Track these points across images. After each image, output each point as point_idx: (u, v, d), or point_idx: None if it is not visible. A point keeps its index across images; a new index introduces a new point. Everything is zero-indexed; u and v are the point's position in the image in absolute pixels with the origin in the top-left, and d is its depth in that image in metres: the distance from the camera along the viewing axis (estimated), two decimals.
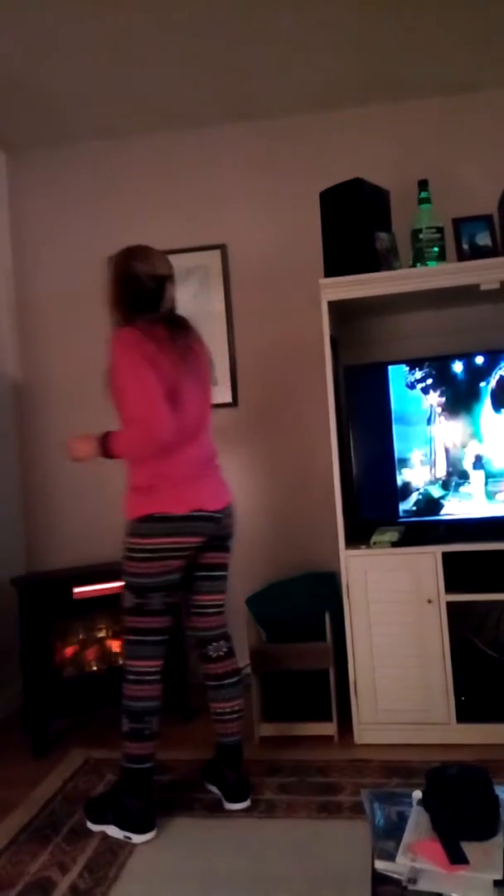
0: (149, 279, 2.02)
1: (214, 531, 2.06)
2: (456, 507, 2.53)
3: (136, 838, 1.93)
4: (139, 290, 2.02)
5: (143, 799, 1.97)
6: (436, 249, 2.53)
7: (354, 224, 2.54)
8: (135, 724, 1.98)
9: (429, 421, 2.56)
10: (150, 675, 2.01)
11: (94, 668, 2.84)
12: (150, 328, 1.97)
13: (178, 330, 2.04)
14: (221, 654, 2.15)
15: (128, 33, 2.53)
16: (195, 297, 3.25)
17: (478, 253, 2.57)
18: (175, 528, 1.97)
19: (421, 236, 2.54)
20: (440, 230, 2.55)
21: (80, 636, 2.88)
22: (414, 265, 2.55)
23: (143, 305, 2.02)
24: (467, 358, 2.55)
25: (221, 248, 3.23)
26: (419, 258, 2.55)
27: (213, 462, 2.11)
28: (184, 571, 2.06)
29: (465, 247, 2.59)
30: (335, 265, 2.56)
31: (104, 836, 1.97)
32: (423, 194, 2.57)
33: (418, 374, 2.57)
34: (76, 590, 2.66)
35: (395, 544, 2.48)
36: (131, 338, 1.94)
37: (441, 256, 2.54)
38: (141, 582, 2.00)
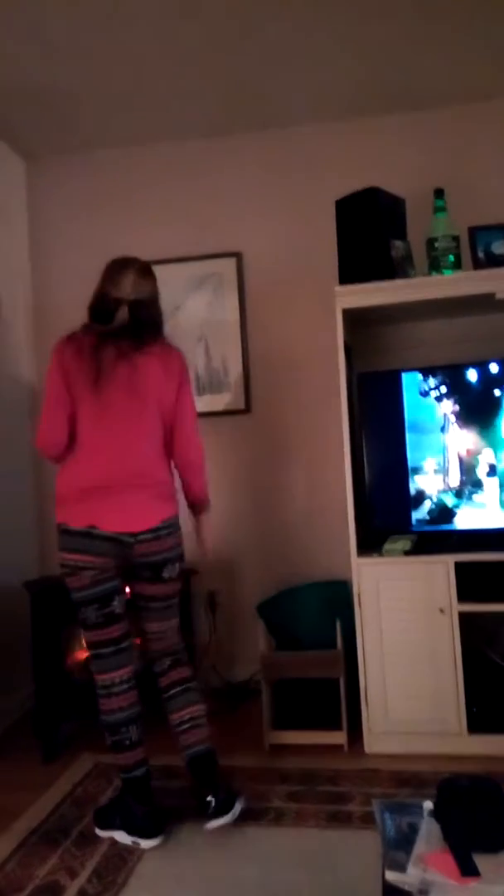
0: (109, 301, 2.05)
1: (125, 555, 1.96)
2: (469, 517, 2.52)
3: (144, 843, 1.93)
4: (100, 306, 2.07)
5: (146, 804, 1.97)
6: (451, 258, 2.54)
7: (370, 233, 2.55)
8: (114, 736, 1.99)
9: (442, 429, 2.56)
10: (116, 685, 2.00)
11: None
12: (82, 336, 2.03)
13: (113, 341, 1.99)
14: (165, 667, 2.10)
15: (144, 43, 2.56)
16: (209, 305, 3.27)
17: (493, 261, 2.57)
18: (75, 544, 1.94)
19: (436, 245, 2.54)
20: (456, 239, 2.55)
21: None
22: (429, 273, 2.55)
23: (98, 318, 2.06)
24: (482, 366, 2.54)
25: (237, 255, 3.25)
26: (434, 266, 2.55)
27: (139, 481, 1.97)
28: (113, 586, 1.99)
29: (481, 255, 2.59)
30: (350, 273, 2.57)
31: (113, 841, 1.97)
32: (439, 203, 2.57)
33: (432, 382, 2.57)
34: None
35: (407, 553, 2.47)
36: (57, 345, 2.04)
37: (456, 265, 2.54)
38: (73, 596, 2.01)
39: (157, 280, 2.14)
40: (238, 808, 1.97)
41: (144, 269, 2.10)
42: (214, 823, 1.94)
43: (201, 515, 2.19)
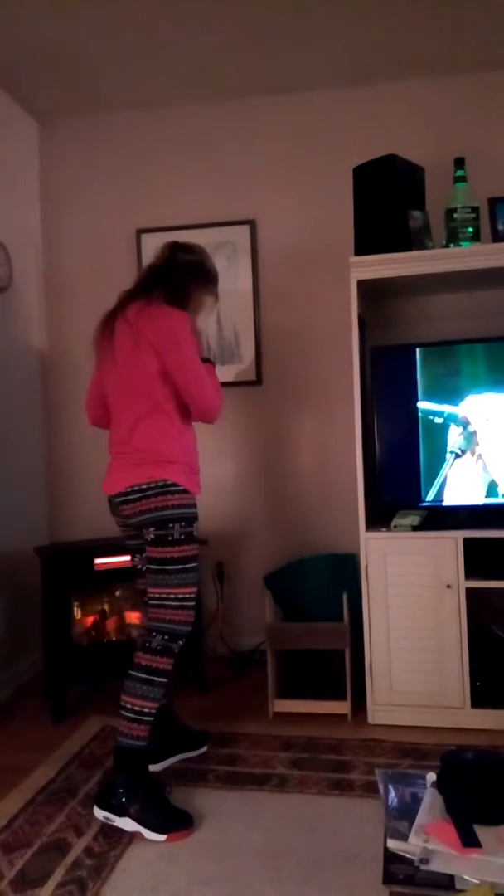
0: None
1: (120, 515, 2.07)
2: (479, 493, 2.51)
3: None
4: None
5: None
6: (470, 229, 2.48)
7: (387, 201, 2.50)
8: None
9: (456, 405, 2.53)
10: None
11: (113, 638, 2.88)
12: None
13: (113, 309, 2.11)
14: (137, 643, 2.01)
15: (159, 5, 2.48)
16: (222, 273, 3.19)
17: None
18: None
19: (455, 216, 2.48)
20: (475, 210, 2.49)
21: (101, 606, 2.92)
22: (447, 245, 2.50)
23: None
24: (498, 342, 2.50)
25: (251, 223, 3.20)
26: (453, 238, 2.50)
27: (119, 449, 2.05)
28: (133, 545, 2.17)
29: (501, 228, 2.53)
30: (366, 243, 2.52)
31: None
32: (459, 172, 2.51)
33: (448, 357, 2.54)
34: (98, 561, 2.68)
35: (416, 528, 2.46)
36: None
37: (475, 237, 2.49)
38: None
39: (184, 254, 2.17)
40: (101, 815, 1.88)
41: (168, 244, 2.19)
42: (94, 810, 1.91)
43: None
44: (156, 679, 1.93)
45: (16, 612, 2.95)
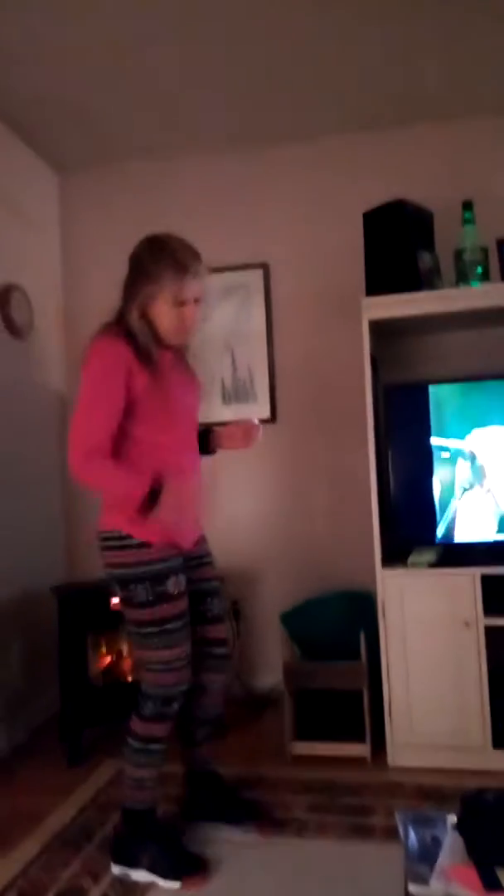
0: None
1: None
2: (496, 529, 2.50)
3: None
4: None
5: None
6: (479, 269, 2.53)
7: (397, 245, 2.56)
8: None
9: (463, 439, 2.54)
10: None
11: (130, 679, 2.87)
12: None
13: None
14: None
15: (172, 60, 2.62)
16: (236, 316, 3.29)
17: None
18: None
19: (464, 256, 2.54)
20: (484, 251, 2.55)
21: (117, 647, 2.91)
22: (457, 285, 2.55)
23: None
24: None
25: (263, 267, 3.28)
26: (462, 278, 2.54)
27: None
28: None
29: None
30: (377, 284, 2.58)
31: None
32: (468, 215, 2.57)
33: (460, 393, 2.56)
34: (114, 600, 2.68)
35: (432, 565, 2.45)
36: None
37: (485, 276, 2.54)
38: None
39: (133, 260, 2.06)
40: (117, 870, 1.85)
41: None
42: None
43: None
44: (152, 747, 1.84)
45: (32, 651, 2.95)
